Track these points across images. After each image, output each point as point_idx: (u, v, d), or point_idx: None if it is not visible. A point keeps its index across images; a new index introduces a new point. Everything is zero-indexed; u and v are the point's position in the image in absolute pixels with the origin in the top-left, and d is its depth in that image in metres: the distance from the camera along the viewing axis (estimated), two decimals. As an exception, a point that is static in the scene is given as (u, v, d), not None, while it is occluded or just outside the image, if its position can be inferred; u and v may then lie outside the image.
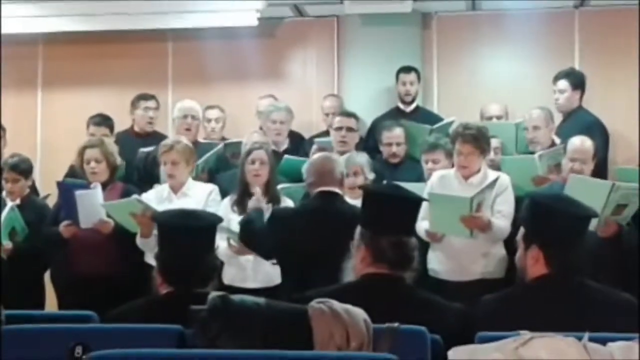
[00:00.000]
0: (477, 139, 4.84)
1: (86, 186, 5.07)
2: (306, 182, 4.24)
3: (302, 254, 3.92)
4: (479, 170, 4.89)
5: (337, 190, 4.09)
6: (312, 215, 4.04)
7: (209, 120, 6.42)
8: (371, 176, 5.07)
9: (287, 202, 4.85)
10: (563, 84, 6.09)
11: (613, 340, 2.15)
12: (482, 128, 4.99)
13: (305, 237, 3.94)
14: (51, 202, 5.58)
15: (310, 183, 4.17)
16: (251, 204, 4.49)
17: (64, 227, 5.01)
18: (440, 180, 4.93)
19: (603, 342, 2.14)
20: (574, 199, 2.97)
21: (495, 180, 4.73)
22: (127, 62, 7.24)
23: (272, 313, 2.23)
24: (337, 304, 2.26)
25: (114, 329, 2.76)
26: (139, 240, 4.90)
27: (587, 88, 6.20)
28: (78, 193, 4.94)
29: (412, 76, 6.51)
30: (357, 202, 4.48)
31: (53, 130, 7.31)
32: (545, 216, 2.84)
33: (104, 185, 5.11)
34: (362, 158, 5.11)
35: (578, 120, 5.93)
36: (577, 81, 6.13)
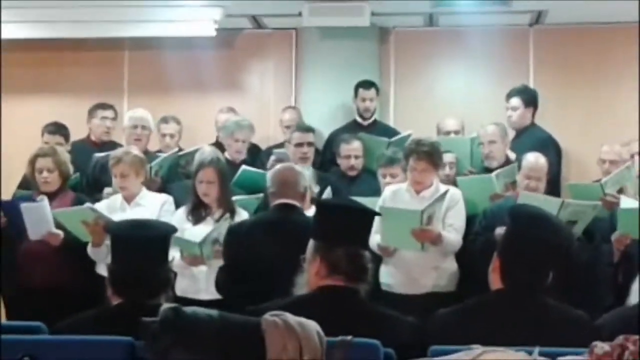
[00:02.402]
0: (430, 155, 4.89)
1: (32, 198, 4.98)
2: (268, 191, 4.24)
3: (256, 267, 3.90)
4: (431, 185, 4.93)
5: (296, 203, 4.08)
6: (268, 228, 4.03)
7: (164, 135, 6.25)
8: (316, 189, 5.07)
9: (242, 214, 4.82)
10: (516, 101, 6.16)
11: (563, 354, 2.17)
12: (435, 143, 5.03)
13: (260, 250, 3.92)
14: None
15: (271, 192, 4.17)
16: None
17: None
18: (392, 195, 4.97)
19: (554, 356, 2.16)
20: (552, 218, 2.99)
21: (445, 193, 4.77)
22: (83, 70, 7.16)
23: (225, 325, 2.21)
24: (290, 317, 2.25)
25: (64, 341, 2.72)
26: (90, 250, 4.84)
27: (541, 105, 6.28)
28: (23, 205, 4.85)
29: (371, 93, 6.51)
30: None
31: (6, 138, 7.18)
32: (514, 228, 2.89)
33: (55, 194, 5.04)
34: (308, 172, 5.02)
35: (531, 137, 6.00)
36: (530, 98, 6.20)
